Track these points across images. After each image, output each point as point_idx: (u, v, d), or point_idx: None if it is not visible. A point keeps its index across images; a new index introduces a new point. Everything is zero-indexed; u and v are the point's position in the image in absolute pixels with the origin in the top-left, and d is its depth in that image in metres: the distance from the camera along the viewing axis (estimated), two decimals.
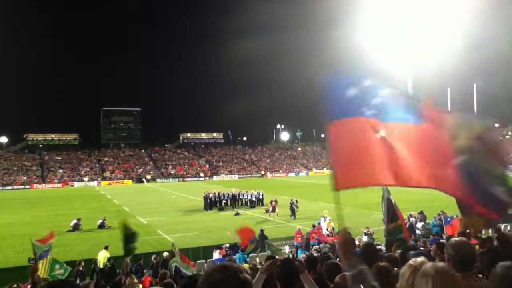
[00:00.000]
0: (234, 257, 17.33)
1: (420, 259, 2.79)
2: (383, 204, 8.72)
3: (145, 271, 15.32)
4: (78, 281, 14.37)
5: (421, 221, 22.60)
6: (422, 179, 3.00)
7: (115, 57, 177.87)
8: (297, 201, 30.63)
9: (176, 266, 11.89)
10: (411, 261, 2.71)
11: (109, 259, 16.24)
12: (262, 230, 20.77)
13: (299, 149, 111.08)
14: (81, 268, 15.51)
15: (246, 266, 12.21)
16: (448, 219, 20.96)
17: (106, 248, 17.93)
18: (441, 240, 11.66)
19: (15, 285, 6.39)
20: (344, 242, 2.84)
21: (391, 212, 8.62)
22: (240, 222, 28.49)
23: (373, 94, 3.22)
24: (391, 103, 3.21)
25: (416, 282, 2.35)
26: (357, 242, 16.50)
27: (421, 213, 23.49)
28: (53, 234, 12.11)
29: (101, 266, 16.25)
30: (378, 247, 9.94)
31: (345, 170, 3.09)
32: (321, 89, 3.30)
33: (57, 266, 11.84)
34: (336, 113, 3.19)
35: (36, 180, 75.94)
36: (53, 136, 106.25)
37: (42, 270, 10.92)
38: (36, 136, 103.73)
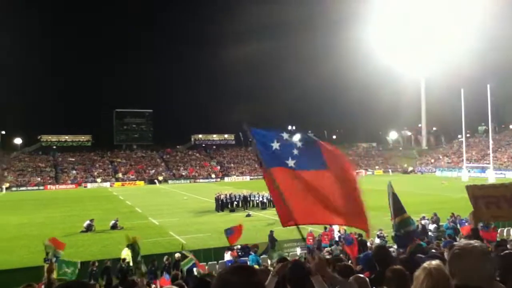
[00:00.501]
0: (245, 258, 17.35)
1: (434, 261, 2.75)
2: (390, 199, 8.68)
3: (158, 272, 15.39)
4: (91, 281, 14.53)
5: (433, 223, 22.33)
6: (333, 217, 3.72)
7: (128, 59, 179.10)
8: None
9: (188, 267, 11.84)
10: (425, 264, 2.67)
11: (123, 260, 16.33)
12: (271, 232, 20.77)
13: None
14: (94, 269, 15.66)
15: (256, 267, 12.21)
16: (463, 220, 20.70)
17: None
18: (455, 243, 11.54)
19: (30, 285, 6.45)
20: (317, 261, 2.82)
21: (397, 206, 8.58)
22: (252, 223, 28.53)
23: (291, 147, 3.70)
24: (305, 154, 3.69)
25: (448, 258, 2.35)
26: (369, 244, 16.42)
27: (435, 215, 23.22)
28: (63, 246, 12.40)
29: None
30: (390, 249, 9.87)
31: (291, 209, 3.61)
32: (252, 140, 3.78)
33: (63, 265, 11.98)
34: (268, 162, 3.65)
35: (50, 181, 76.79)
36: (67, 137, 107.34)
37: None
38: (50, 137, 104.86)
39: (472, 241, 2.39)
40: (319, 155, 3.70)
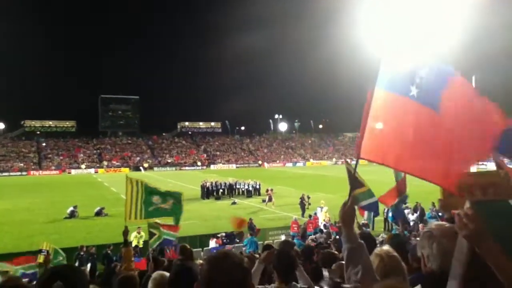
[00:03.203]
0: (230, 246, 17.42)
1: (385, 247, 2.79)
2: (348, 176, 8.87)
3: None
4: (77, 265, 14.48)
5: (415, 212, 22.24)
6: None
7: (114, 44, 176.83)
8: (308, 197, 27.91)
9: (161, 241, 11.17)
10: (377, 250, 2.71)
11: (109, 246, 16.30)
12: (250, 219, 20.98)
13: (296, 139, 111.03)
14: (82, 253, 15.63)
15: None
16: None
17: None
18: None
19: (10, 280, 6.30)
20: (347, 210, 2.38)
21: (353, 181, 8.72)
22: (237, 211, 28.61)
23: (416, 70, 2.71)
24: (429, 84, 2.65)
25: (419, 242, 2.26)
26: (380, 238, 16.54)
27: (419, 204, 22.86)
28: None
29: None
30: (378, 237, 9.99)
31: (373, 142, 2.76)
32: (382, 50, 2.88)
33: (57, 255, 11.82)
34: (386, 83, 2.77)
35: (33, 167, 75.85)
36: (51, 123, 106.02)
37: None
38: (33, 123, 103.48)
39: (443, 223, 2.23)
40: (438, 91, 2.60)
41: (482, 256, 1.60)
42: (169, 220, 9.64)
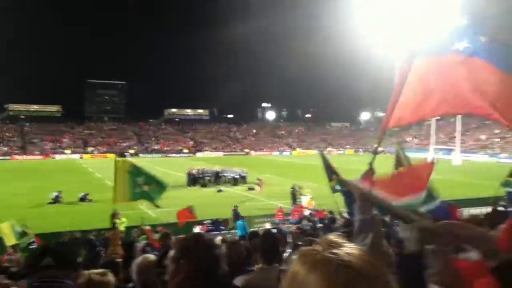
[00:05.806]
0: (216, 233, 17.51)
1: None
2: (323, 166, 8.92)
3: None
4: None
5: None
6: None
7: (102, 29, 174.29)
8: (300, 188, 26.94)
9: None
10: None
11: (91, 231, 16.23)
12: (236, 207, 21.05)
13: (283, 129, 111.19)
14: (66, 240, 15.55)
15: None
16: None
17: None
18: None
19: None
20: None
21: (329, 170, 8.84)
22: (223, 199, 28.68)
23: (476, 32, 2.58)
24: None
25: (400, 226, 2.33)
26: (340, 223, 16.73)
27: None
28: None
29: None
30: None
31: (403, 108, 2.71)
32: None
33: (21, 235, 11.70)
34: (426, 50, 2.72)
35: (17, 151, 74.83)
36: (36, 107, 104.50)
37: (11, 239, 10.83)
38: (17, 106, 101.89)
39: None
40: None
41: None
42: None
